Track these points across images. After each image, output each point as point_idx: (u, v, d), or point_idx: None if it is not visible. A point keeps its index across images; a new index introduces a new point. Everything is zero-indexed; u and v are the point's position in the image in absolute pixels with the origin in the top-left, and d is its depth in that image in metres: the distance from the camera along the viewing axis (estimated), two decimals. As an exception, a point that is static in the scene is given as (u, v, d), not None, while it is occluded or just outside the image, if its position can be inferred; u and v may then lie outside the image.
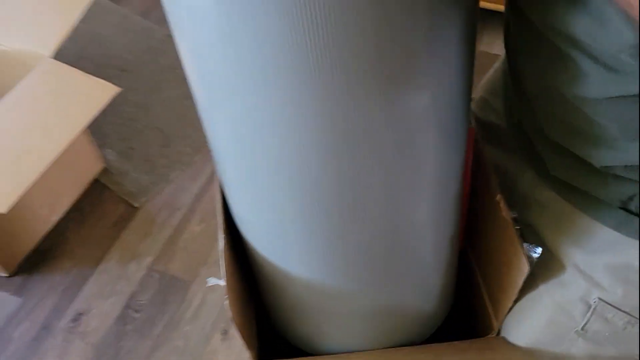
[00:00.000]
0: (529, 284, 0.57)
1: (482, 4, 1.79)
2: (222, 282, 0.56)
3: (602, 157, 0.46)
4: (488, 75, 0.69)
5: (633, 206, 0.48)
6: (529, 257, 0.51)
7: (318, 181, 0.45)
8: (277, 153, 0.44)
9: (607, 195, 0.49)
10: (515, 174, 0.59)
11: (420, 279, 0.58)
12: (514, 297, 0.56)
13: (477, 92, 0.69)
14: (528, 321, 0.60)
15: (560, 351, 0.58)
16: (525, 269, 0.51)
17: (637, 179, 0.46)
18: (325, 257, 0.52)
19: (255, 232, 0.58)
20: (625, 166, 0.45)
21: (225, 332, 1.21)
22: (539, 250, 0.52)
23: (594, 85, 0.41)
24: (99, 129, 1.55)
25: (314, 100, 0.39)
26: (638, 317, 0.51)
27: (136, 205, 1.42)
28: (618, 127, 0.43)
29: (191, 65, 0.46)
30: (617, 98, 0.41)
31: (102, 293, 1.27)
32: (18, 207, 1.26)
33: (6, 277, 1.29)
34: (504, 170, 0.60)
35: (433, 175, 0.48)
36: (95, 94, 1.16)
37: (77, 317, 1.23)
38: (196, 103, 0.51)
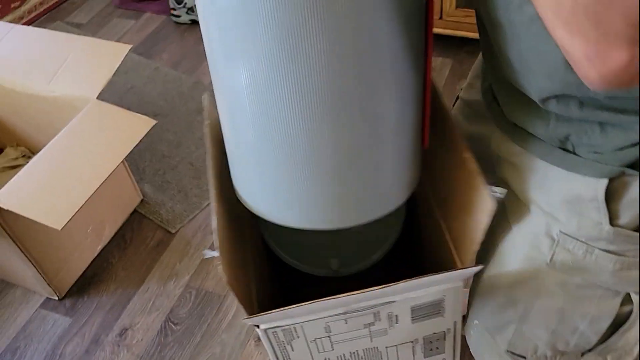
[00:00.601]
0: (504, 232, 0.67)
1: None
2: (217, 253, 0.61)
3: (542, 88, 0.55)
4: (474, 64, 0.80)
5: (570, 145, 0.58)
6: (493, 197, 0.60)
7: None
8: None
9: (549, 135, 0.59)
10: (488, 137, 0.69)
11: (390, 143, 0.63)
12: (479, 239, 0.62)
13: (466, 80, 0.81)
14: (507, 262, 0.68)
15: (536, 285, 0.66)
16: (490, 206, 0.59)
17: (571, 118, 0.56)
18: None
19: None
20: (559, 101, 0.55)
21: (258, 339, 1.29)
22: (500, 190, 0.62)
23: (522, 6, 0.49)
24: (137, 166, 1.71)
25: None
26: (594, 245, 0.59)
27: (173, 231, 1.54)
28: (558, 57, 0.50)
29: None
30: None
31: (145, 309, 1.37)
32: (68, 237, 1.40)
33: (57, 300, 1.41)
34: (480, 137, 0.71)
35: (396, 62, 0.57)
36: (135, 126, 1.31)
37: (123, 332, 1.34)
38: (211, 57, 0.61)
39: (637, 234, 0.58)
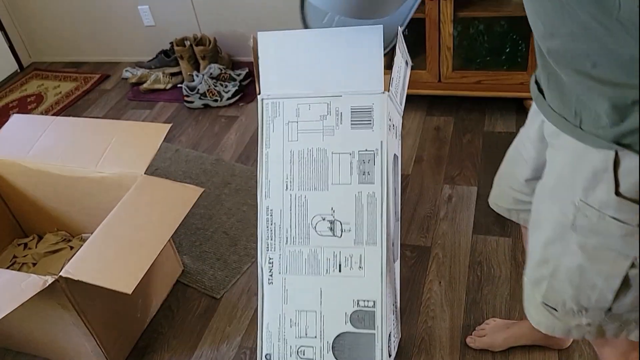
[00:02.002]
0: (543, 203, 0.82)
1: (481, 93, 2.10)
2: None
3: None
4: None
5: (579, 120, 0.72)
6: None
7: None
8: None
9: (569, 113, 0.73)
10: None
11: None
12: None
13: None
14: (543, 226, 0.82)
15: (562, 245, 0.78)
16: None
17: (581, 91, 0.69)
18: None
19: None
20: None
21: (319, 389, 1.33)
22: None
23: None
24: (174, 240, 1.78)
25: None
26: (605, 212, 0.71)
27: (217, 296, 1.59)
28: None
29: None
30: None
31: (202, 373, 1.40)
32: (122, 310, 1.45)
33: (113, 374, 1.43)
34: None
35: None
36: (185, 195, 1.40)
37: (184, 397, 1.36)
38: None
39: (637, 204, 0.69)
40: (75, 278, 1.20)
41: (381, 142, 1.04)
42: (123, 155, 1.53)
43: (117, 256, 1.26)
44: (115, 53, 2.99)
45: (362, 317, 1.06)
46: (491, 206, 1.12)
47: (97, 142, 1.59)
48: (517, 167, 0.99)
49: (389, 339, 1.12)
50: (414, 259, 1.61)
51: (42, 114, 2.63)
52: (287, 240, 1.09)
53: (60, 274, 1.20)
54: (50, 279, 1.18)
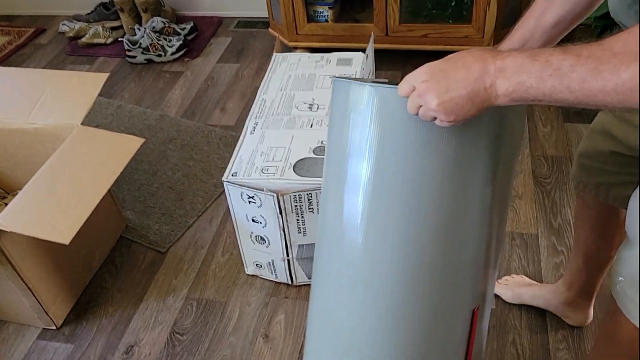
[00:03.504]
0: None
1: (428, 47, 2.10)
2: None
3: None
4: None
5: None
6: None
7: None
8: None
9: None
10: None
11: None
12: None
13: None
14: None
15: None
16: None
17: None
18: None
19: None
20: None
21: (266, 336, 1.33)
22: None
23: None
24: (117, 196, 1.73)
25: None
26: None
27: (163, 251, 1.57)
28: None
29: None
30: None
31: (148, 326, 1.39)
32: (62, 264, 1.40)
33: (55, 329, 1.39)
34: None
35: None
36: (124, 146, 1.35)
37: (129, 349, 1.34)
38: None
39: None
40: (8, 229, 1.15)
41: (357, 70, 1.54)
42: (58, 106, 1.46)
43: (53, 207, 1.21)
44: (51, 6, 2.83)
45: (324, 149, 1.30)
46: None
47: (29, 92, 1.51)
48: None
49: None
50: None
51: (-28, 69, 2.48)
52: (272, 112, 1.43)
53: (-8, 225, 1.15)
54: (-20, 231, 1.13)
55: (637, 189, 0.78)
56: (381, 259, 0.75)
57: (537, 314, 1.33)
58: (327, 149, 0.82)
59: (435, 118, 0.67)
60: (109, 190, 1.51)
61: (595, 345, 1.04)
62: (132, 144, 1.36)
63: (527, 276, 1.40)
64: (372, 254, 0.76)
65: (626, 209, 1.00)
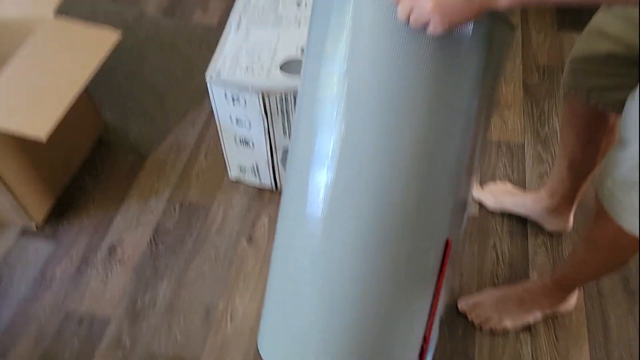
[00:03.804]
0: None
1: None
2: None
3: None
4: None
5: None
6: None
7: None
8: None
9: None
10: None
11: None
12: None
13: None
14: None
15: None
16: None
17: None
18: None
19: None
20: None
21: (250, 238, 1.34)
22: None
23: None
24: (94, 96, 1.66)
25: None
26: None
27: (144, 153, 1.53)
28: None
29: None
30: None
31: (130, 226, 1.38)
32: (39, 164, 1.36)
33: (36, 229, 1.38)
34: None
35: None
36: (100, 39, 1.28)
37: (112, 249, 1.34)
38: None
39: None
40: (-20, 123, 1.10)
41: None
42: (27, -4, 1.36)
43: (26, 102, 1.16)
44: None
45: None
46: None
47: (-4, -19, 1.40)
48: None
49: None
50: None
51: None
52: (257, 10, 1.35)
53: (-38, 118, 1.10)
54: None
55: (637, 89, 0.75)
56: (357, 175, 0.72)
57: (519, 221, 1.34)
58: (304, 55, 0.77)
59: (427, 25, 0.63)
60: (86, 88, 1.45)
61: (575, 250, 1.06)
62: (108, 37, 1.29)
63: (511, 184, 1.40)
64: (347, 168, 0.72)
65: (617, 113, 0.98)
